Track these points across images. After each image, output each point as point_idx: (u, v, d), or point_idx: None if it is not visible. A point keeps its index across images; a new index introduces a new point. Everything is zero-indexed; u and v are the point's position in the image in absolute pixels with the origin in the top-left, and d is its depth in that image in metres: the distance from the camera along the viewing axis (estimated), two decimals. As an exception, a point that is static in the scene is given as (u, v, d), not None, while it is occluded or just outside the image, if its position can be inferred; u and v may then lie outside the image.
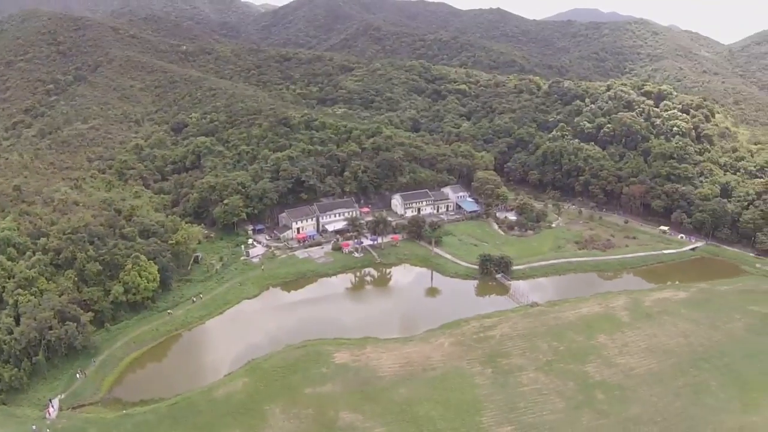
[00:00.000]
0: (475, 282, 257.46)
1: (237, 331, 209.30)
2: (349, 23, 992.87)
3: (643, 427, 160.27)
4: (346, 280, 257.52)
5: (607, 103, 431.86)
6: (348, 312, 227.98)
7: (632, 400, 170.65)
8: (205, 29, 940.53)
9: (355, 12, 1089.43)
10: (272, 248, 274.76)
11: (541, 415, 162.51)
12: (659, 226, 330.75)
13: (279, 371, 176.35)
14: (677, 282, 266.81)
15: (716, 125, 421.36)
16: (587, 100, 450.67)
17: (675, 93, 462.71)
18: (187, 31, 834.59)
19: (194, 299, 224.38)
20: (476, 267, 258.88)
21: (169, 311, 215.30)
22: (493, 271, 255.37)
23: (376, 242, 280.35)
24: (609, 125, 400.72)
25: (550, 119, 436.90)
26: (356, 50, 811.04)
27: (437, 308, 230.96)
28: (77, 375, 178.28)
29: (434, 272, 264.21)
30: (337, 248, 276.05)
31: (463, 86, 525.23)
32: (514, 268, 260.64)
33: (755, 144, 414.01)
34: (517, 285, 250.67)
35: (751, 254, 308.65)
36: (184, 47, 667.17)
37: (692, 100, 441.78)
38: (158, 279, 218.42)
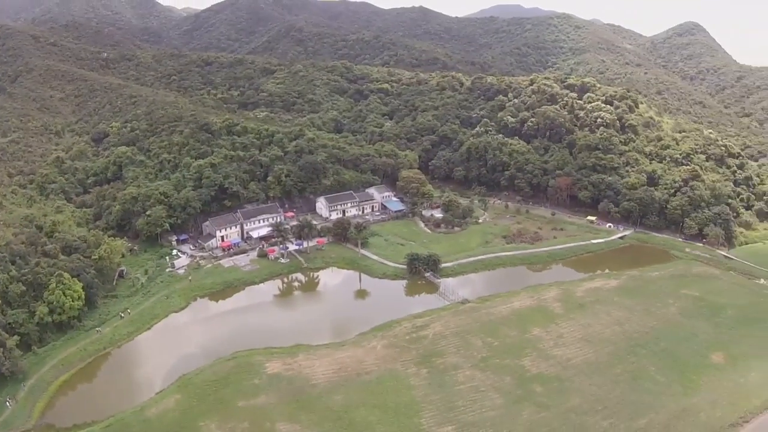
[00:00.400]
0: (405, 282, 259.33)
1: (166, 346, 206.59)
2: (271, 25, 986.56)
3: (584, 417, 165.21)
4: (273, 287, 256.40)
5: (530, 97, 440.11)
6: (277, 319, 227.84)
7: (571, 391, 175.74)
8: (127, 35, 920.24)
9: (277, 14, 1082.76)
10: (197, 258, 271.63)
11: (480, 413, 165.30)
12: (587, 216, 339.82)
13: (211, 385, 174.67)
14: (607, 270, 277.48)
15: (640, 115, 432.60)
16: (510, 95, 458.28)
17: (598, 85, 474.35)
18: (108, 37, 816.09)
19: (121, 315, 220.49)
20: (404, 267, 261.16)
21: (97, 329, 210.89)
22: (421, 270, 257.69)
23: (301, 247, 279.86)
24: (533, 119, 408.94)
25: (474, 115, 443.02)
26: (278, 52, 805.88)
27: (368, 311, 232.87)
28: (6, 403, 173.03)
29: (362, 274, 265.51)
30: (263, 255, 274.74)
31: (385, 85, 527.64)
32: (443, 265, 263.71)
33: (680, 132, 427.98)
34: (447, 282, 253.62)
35: (680, 239, 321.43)
36: (105, 54, 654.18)
37: (616, 92, 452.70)
38: (83, 297, 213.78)
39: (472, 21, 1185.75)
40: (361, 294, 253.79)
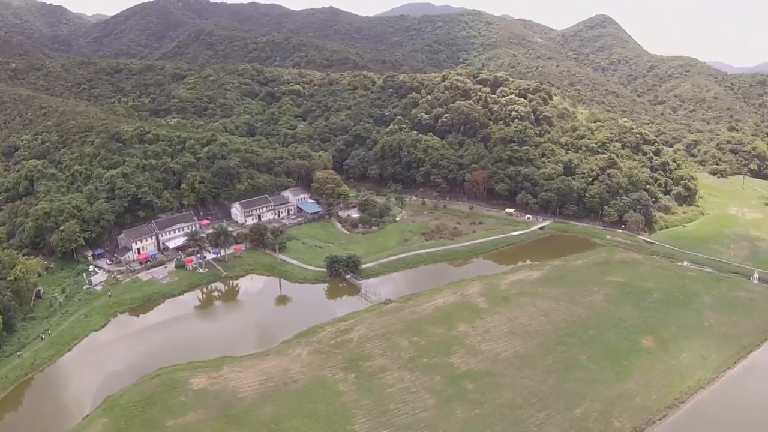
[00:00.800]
0: (325, 285, 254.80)
1: (90, 366, 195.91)
2: (181, 30, 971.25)
3: (519, 411, 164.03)
4: (194, 298, 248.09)
5: (443, 93, 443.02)
6: (200, 332, 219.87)
7: (503, 386, 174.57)
8: (36, 44, 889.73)
9: (188, 18, 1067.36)
10: (114, 273, 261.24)
11: (413, 414, 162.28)
12: (505, 209, 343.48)
13: (137, 406, 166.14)
14: (529, 261, 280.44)
15: (555, 107, 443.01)
16: (423, 91, 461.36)
17: (511, 79, 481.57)
18: (17, 47, 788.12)
19: (42, 337, 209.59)
20: (324, 270, 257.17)
21: (18, 354, 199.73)
22: (342, 272, 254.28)
23: (219, 255, 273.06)
24: (447, 115, 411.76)
25: (387, 113, 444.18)
26: (189, 57, 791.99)
27: (290, 317, 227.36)
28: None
29: (282, 280, 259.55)
30: (181, 266, 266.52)
31: (297, 87, 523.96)
32: (363, 266, 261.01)
33: (594, 122, 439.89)
34: (369, 283, 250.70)
35: (600, 227, 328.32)
36: (14, 64, 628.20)
37: (529, 85, 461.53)
38: (1, 321, 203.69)
39: (383, 20, 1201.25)
40: (283, 300, 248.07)
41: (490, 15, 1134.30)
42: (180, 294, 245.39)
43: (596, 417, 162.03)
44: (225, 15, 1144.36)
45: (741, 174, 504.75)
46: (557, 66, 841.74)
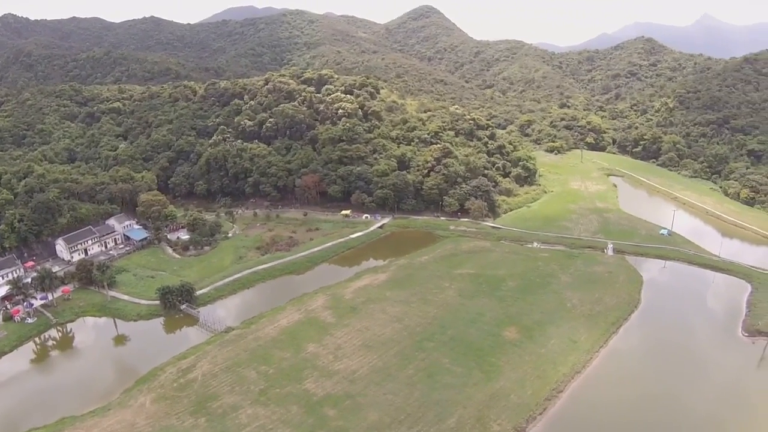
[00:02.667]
0: (162, 319, 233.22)
1: None
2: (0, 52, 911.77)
3: (389, 431, 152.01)
4: (27, 352, 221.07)
5: (266, 97, 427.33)
6: (38, 391, 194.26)
7: (367, 406, 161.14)
8: None
9: (6, 38, 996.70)
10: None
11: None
12: (341, 211, 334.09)
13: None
14: (373, 263, 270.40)
15: (383, 101, 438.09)
16: (246, 97, 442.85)
17: (336, 76, 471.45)
18: None
19: None
20: (158, 302, 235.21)
21: None
22: (176, 303, 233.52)
23: (47, 300, 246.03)
24: (271, 119, 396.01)
25: (210, 123, 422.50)
26: (8, 81, 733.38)
27: (128, 361, 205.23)
28: None
29: (116, 319, 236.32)
30: (8, 318, 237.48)
31: (117, 104, 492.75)
32: (199, 292, 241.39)
33: (425, 112, 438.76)
34: (206, 311, 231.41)
35: (442, 218, 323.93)
36: None
37: (355, 80, 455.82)
38: None
39: (205, 26, 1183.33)
40: (119, 342, 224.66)
41: (313, 13, 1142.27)
42: (11, 350, 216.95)
43: (473, 424, 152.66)
44: (45, 33, 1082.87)
45: (578, 148, 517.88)
46: (383, 59, 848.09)
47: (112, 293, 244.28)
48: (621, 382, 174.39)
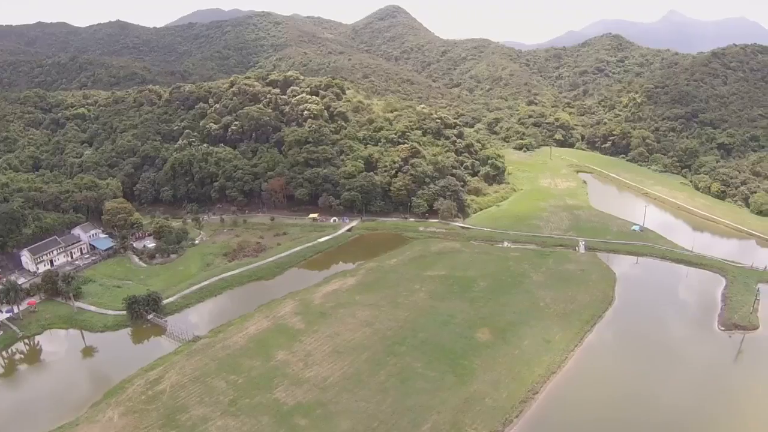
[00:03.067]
0: (129, 330, 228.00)
1: None
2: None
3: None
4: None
5: (231, 100, 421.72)
6: (6, 408, 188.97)
7: (339, 414, 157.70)
8: None
9: None
10: None
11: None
12: (309, 214, 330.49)
13: None
14: (342, 267, 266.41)
15: (349, 101, 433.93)
16: (211, 100, 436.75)
17: (302, 77, 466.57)
18: None
19: None
20: (125, 313, 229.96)
21: None
22: (143, 313, 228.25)
23: (13, 314, 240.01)
24: (237, 122, 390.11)
25: (175, 128, 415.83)
26: None
27: (96, 374, 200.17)
28: None
29: (83, 331, 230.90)
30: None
31: (81, 110, 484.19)
32: (166, 301, 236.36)
33: (391, 112, 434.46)
34: (174, 320, 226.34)
35: (411, 219, 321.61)
36: None
37: (321, 81, 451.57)
38: None
39: (171, 30, 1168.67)
40: (87, 354, 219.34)
41: (279, 15, 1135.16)
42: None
43: (448, 430, 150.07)
44: (11, 39, 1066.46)
45: (547, 145, 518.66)
46: (349, 60, 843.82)
47: (78, 304, 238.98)
48: (597, 381, 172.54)
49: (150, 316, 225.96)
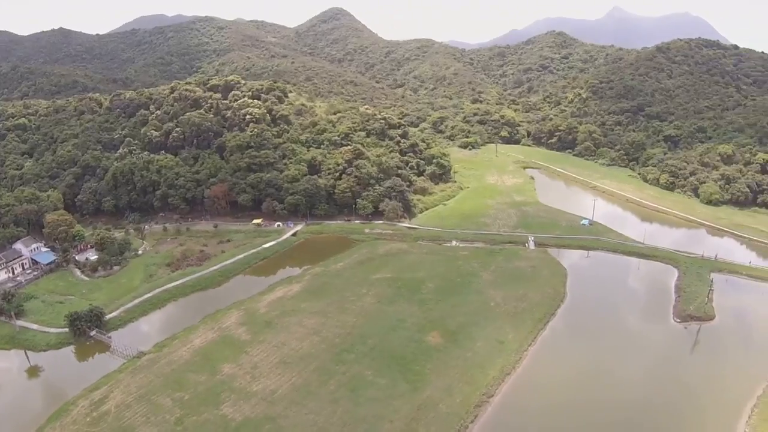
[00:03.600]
0: (72, 348, 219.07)
1: None
2: None
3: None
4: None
5: (172, 106, 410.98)
6: None
7: (288, 429, 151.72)
8: None
9: None
10: None
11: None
12: (252, 220, 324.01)
13: None
14: (288, 274, 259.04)
15: (291, 104, 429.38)
16: (152, 107, 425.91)
17: (243, 81, 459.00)
18: None
19: None
20: (68, 330, 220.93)
21: None
22: (86, 329, 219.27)
23: None
24: (178, 129, 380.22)
25: (116, 136, 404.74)
26: None
27: (40, 396, 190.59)
28: None
29: (27, 351, 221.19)
30: None
31: (22, 120, 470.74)
32: (109, 316, 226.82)
33: (334, 114, 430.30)
34: (118, 336, 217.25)
35: (357, 222, 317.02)
36: None
37: (262, 85, 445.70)
38: None
39: (114, 37, 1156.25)
40: (32, 375, 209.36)
41: (222, 20, 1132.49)
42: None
43: None
44: None
45: (493, 142, 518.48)
46: (292, 63, 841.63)
47: (20, 323, 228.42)
48: (553, 381, 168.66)
49: (93, 333, 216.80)
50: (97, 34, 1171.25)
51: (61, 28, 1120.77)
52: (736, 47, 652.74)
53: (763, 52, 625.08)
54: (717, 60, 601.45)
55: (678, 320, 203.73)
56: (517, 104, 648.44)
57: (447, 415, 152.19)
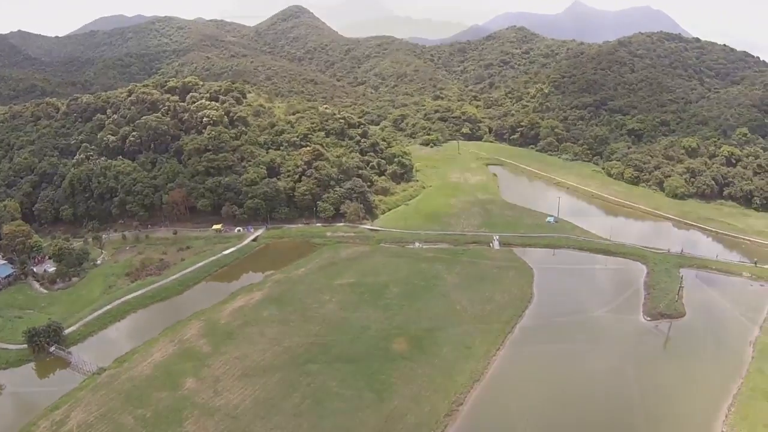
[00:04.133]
0: (32, 365, 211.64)
1: None
2: None
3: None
4: None
5: (129, 109, 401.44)
6: None
7: None
8: None
9: None
10: None
11: None
12: (212, 226, 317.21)
13: None
14: (248, 281, 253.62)
15: (249, 105, 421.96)
16: (109, 111, 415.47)
17: (201, 83, 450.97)
18: None
19: None
20: (27, 346, 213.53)
21: None
22: (45, 345, 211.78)
23: None
24: (135, 133, 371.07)
25: (73, 141, 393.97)
26: None
27: (2, 419, 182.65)
28: None
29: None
30: None
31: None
32: (68, 330, 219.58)
33: (293, 114, 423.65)
34: (78, 351, 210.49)
35: (318, 225, 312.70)
36: None
37: (220, 86, 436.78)
38: None
39: (73, 39, 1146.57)
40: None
41: (182, 19, 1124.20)
42: None
43: None
44: None
45: (455, 140, 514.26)
46: (252, 62, 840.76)
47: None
48: (524, 385, 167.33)
49: (52, 349, 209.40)
50: (57, 37, 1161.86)
51: (19, 31, 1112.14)
52: (698, 40, 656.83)
53: (725, 45, 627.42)
54: (679, 53, 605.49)
55: (648, 318, 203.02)
56: (479, 100, 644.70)
57: (416, 426, 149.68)
